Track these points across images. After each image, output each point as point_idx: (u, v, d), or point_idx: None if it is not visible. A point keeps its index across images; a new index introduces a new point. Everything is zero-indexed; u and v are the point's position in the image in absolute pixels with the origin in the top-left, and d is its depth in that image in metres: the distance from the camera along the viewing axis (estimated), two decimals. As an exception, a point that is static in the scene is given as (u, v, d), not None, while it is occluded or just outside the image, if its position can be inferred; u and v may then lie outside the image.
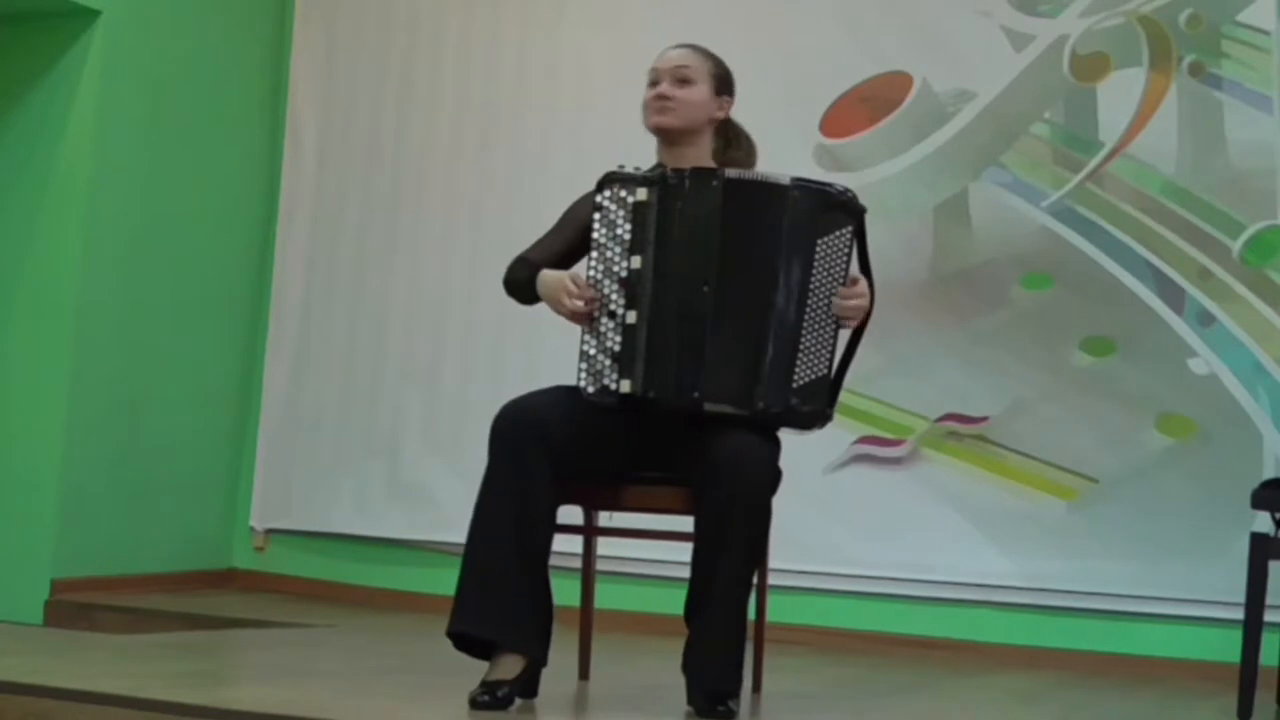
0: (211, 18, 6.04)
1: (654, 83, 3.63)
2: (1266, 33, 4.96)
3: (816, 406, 3.46)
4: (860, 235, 3.50)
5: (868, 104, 5.40)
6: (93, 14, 5.59)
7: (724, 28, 5.54)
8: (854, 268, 3.50)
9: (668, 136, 3.62)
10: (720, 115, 3.66)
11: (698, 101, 3.61)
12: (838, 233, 3.46)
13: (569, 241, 3.64)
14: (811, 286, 3.43)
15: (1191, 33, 5.04)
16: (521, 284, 3.60)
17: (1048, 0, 5.25)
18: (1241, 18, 5.01)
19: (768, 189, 3.46)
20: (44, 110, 5.66)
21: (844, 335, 3.52)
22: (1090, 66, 5.16)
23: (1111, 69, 5.15)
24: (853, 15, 5.47)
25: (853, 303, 3.47)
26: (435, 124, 6.03)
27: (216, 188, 6.09)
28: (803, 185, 3.47)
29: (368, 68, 6.19)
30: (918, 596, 5.18)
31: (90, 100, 5.59)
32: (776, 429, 3.50)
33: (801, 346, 3.43)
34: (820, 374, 3.46)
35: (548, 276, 3.53)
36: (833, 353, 3.48)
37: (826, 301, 3.45)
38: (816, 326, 3.44)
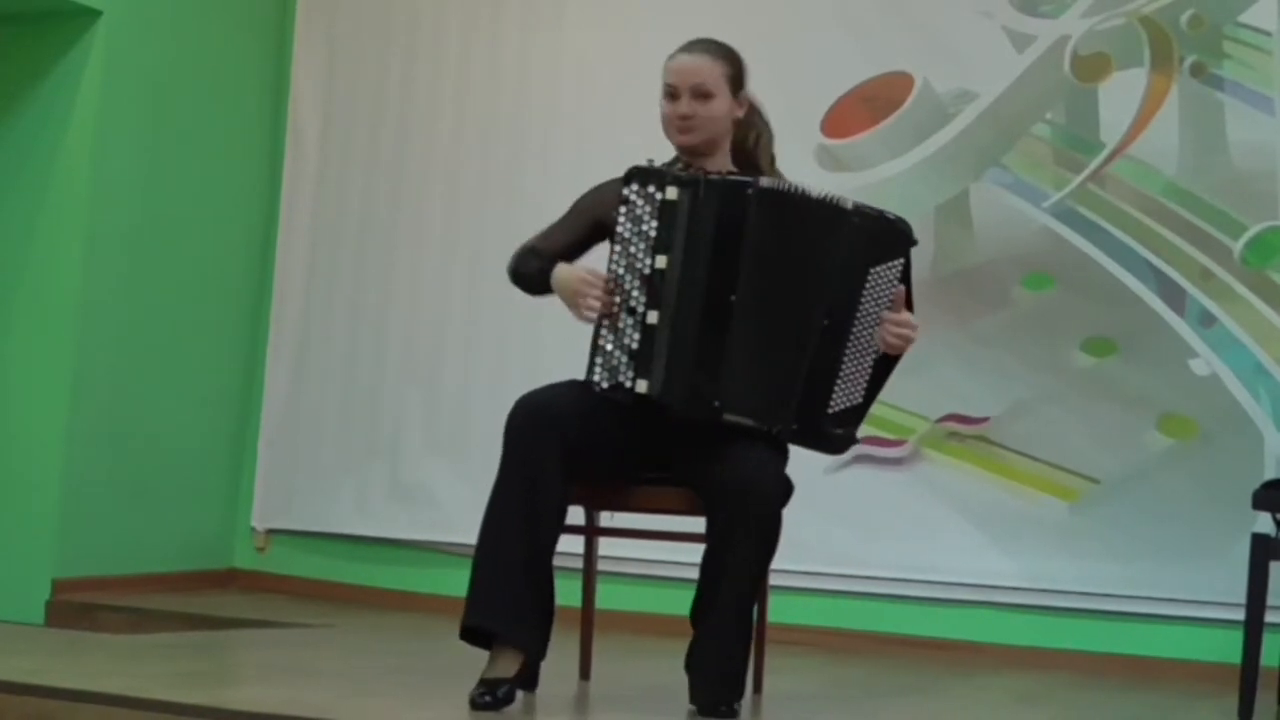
0: (213, 18, 6.04)
1: (672, 96, 3.53)
2: (1268, 33, 4.96)
3: (848, 432, 3.46)
4: (909, 266, 3.46)
5: (869, 104, 5.40)
6: (94, 14, 5.59)
7: (724, 28, 5.48)
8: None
9: (690, 152, 3.55)
10: (739, 114, 3.59)
11: (720, 114, 3.54)
12: (890, 263, 3.43)
13: (578, 234, 3.60)
14: (859, 314, 3.41)
15: (1193, 33, 5.04)
16: (531, 276, 3.56)
17: (1049, 1, 5.25)
18: (1243, 18, 5.01)
19: (824, 207, 3.40)
20: (45, 111, 5.66)
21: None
22: (1091, 67, 5.16)
23: (1113, 70, 5.15)
24: (854, 15, 5.47)
25: (905, 331, 3.44)
26: (436, 125, 6.03)
27: (217, 188, 6.09)
28: (863, 211, 3.42)
29: (369, 68, 6.19)
30: (919, 597, 5.17)
31: (91, 101, 5.59)
32: (796, 446, 3.49)
33: (841, 372, 3.41)
34: (855, 402, 3.45)
35: (564, 273, 3.47)
36: (868, 379, 3.46)
37: (870, 330, 3.43)
38: (858, 353, 3.43)
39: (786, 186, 3.43)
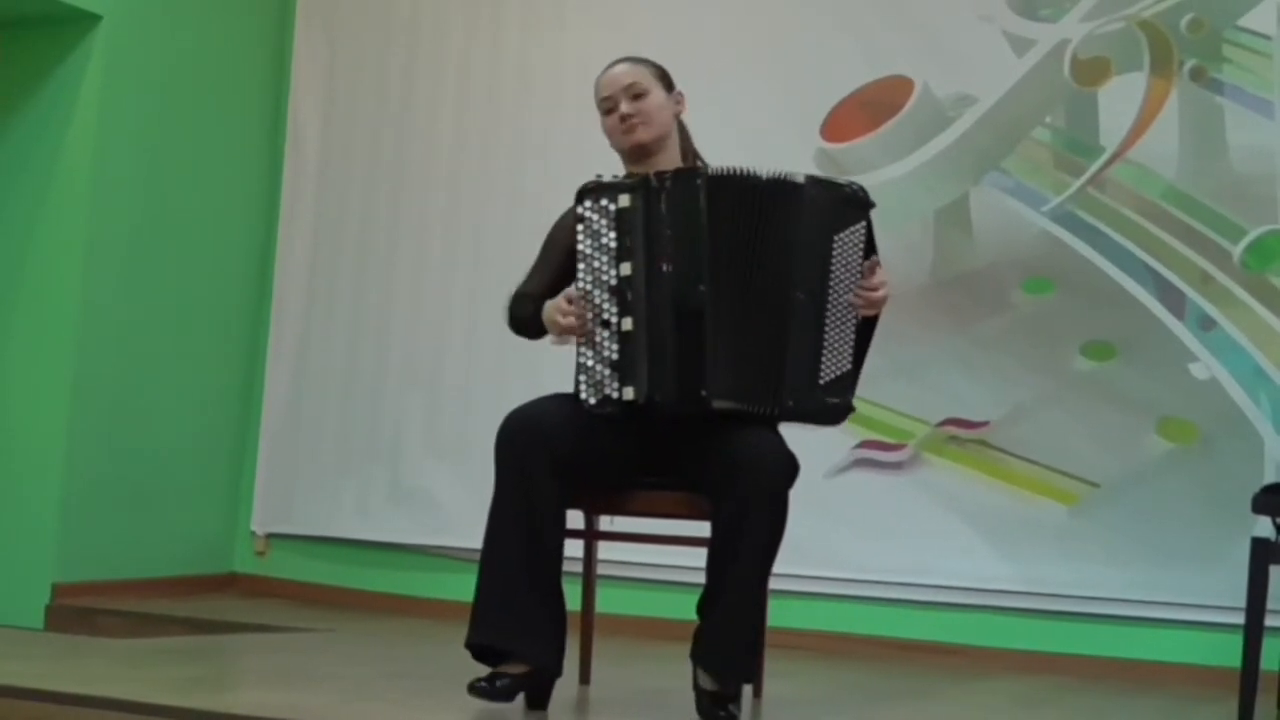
0: (213, 21, 6.04)
1: (610, 109, 3.65)
2: (1268, 37, 4.96)
3: (843, 400, 3.47)
4: (870, 228, 3.51)
5: (869, 108, 5.40)
6: (94, 18, 5.60)
7: (725, 32, 5.57)
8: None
9: (643, 151, 3.63)
10: (680, 110, 3.70)
11: (659, 106, 3.65)
12: (852, 228, 3.47)
13: (557, 266, 3.64)
14: (831, 283, 3.44)
15: (1193, 37, 5.04)
16: (528, 320, 3.63)
17: (1049, 5, 5.25)
18: (1243, 22, 5.01)
19: (777, 185, 3.45)
20: (46, 114, 5.67)
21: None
22: (1091, 71, 5.17)
23: (1112, 73, 5.15)
24: (854, 19, 5.47)
25: (880, 293, 3.49)
26: (437, 127, 6.04)
27: (218, 191, 6.09)
28: (818, 182, 3.49)
29: (369, 71, 6.19)
30: (918, 601, 5.17)
31: (92, 104, 5.60)
32: (785, 422, 3.50)
33: (825, 343, 3.44)
34: (845, 369, 3.47)
35: (547, 306, 3.53)
36: (853, 346, 3.49)
37: (845, 296, 3.46)
38: (838, 322, 3.46)
39: (736, 170, 3.47)
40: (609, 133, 3.68)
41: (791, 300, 3.42)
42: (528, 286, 3.68)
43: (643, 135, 3.62)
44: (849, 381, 3.49)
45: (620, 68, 3.69)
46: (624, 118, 3.62)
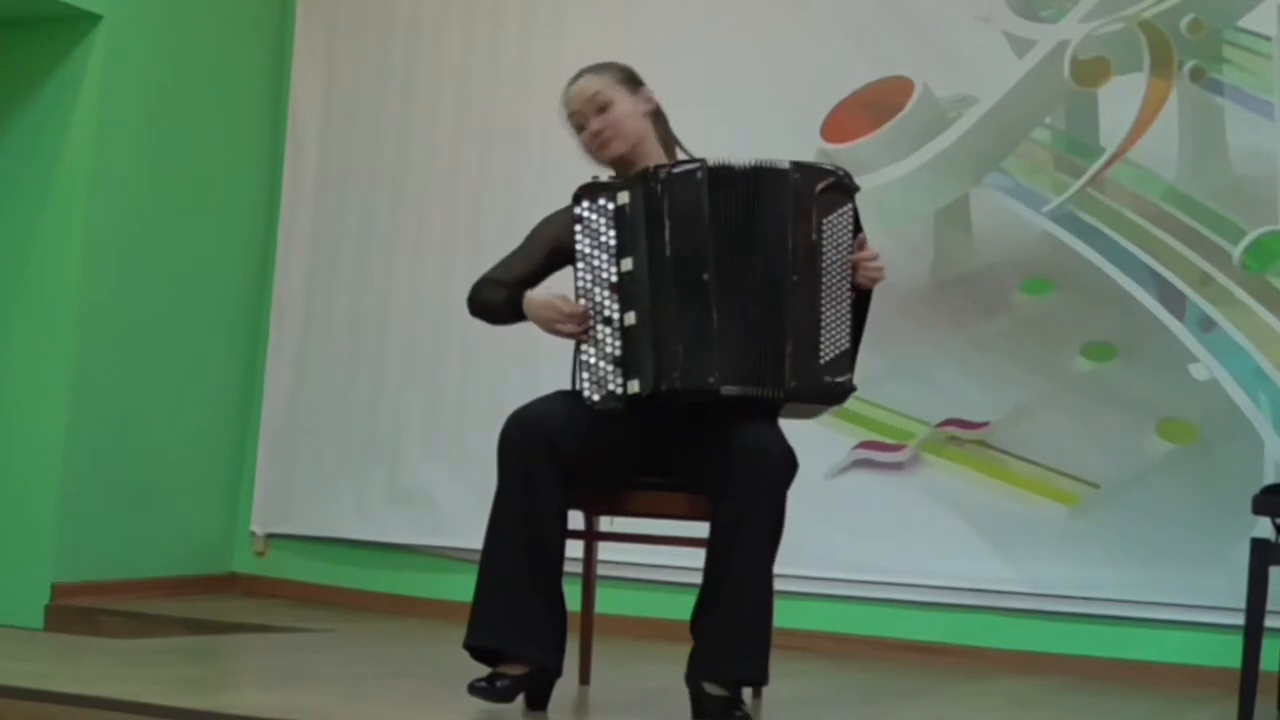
0: (213, 22, 6.04)
1: (580, 125, 3.64)
2: (1268, 38, 4.97)
3: (845, 378, 3.48)
4: (856, 211, 3.53)
5: (869, 109, 5.40)
6: (94, 18, 5.59)
7: (725, 32, 5.56)
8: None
9: (622, 162, 3.62)
10: (650, 107, 3.67)
11: (627, 113, 3.62)
12: (840, 210, 3.49)
13: (537, 263, 3.66)
14: (824, 264, 3.46)
15: (1193, 38, 5.04)
16: (497, 307, 3.63)
17: (1049, 6, 5.25)
18: (1243, 23, 5.01)
19: (763, 173, 3.47)
20: (46, 114, 5.66)
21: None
22: (1091, 72, 5.17)
23: (1112, 74, 5.15)
24: (854, 20, 5.47)
25: (875, 264, 3.50)
26: (437, 128, 6.03)
27: (218, 192, 6.09)
28: (802, 167, 3.50)
29: (369, 72, 6.19)
30: (918, 602, 5.17)
31: (91, 104, 5.59)
32: (791, 403, 3.50)
33: (823, 323, 3.45)
34: (844, 348, 3.48)
35: (535, 298, 3.54)
36: (850, 325, 3.50)
37: (838, 277, 3.47)
38: (834, 302, 3.47)
39: (730, 160, 3.48)
40: (585, 150, 3.66)
41: (787, 284, 3.43)
42: (503, 273, 3.68)
43: (618, 148, 3.61)
44: (848, 360, 3.49)
45: (580, 82, 3.66)
46: (595, 134, 3.61)
